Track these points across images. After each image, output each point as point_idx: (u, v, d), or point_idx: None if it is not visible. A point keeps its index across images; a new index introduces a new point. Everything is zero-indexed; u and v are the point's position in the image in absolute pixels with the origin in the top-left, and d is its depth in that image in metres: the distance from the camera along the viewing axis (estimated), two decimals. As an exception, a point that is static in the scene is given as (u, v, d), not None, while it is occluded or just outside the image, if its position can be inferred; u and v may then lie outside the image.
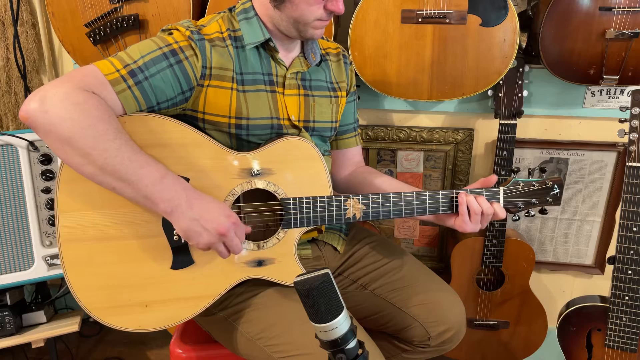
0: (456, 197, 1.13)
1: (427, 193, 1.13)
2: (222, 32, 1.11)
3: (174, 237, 1.05)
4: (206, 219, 0.98)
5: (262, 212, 1.12)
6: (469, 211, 1.11)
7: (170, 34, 1.08)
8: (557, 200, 1.18)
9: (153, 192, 0.95)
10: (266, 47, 1.15)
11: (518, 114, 1.58)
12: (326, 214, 1.11)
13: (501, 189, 1.16)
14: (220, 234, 0.99)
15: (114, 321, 1.05)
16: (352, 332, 0.70)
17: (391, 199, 1.13)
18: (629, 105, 1.32)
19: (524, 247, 1.68)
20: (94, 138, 0.90)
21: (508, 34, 1.48)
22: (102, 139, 0.91)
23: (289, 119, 1.17)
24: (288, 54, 1.19)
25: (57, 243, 1.02)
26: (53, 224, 1.63)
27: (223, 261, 1.09)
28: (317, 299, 0.67)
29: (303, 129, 1.19)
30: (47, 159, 1.61)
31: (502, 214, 1.12)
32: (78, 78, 0.94)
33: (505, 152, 1.60)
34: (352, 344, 0.69)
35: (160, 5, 1.55)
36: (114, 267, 1.04)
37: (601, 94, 1.68)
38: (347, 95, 1.33)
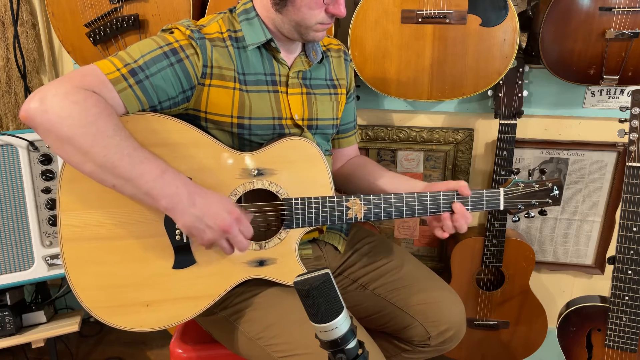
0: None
1: (428, 194, 1.14)
2: (222, 33, 1.11)
3: (176, 237, 1.06)
4: (209, 216, 0.97)
5: (264, 212, 1.12)
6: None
7: (171, 32, 1.08)
8: (556, 202, 1.18)
9: (154, 188, 0.95)
10: (268, 48, 1.15)
11: (518, 114, 1.58)
12: (328, 214, 1.11)
13: (501, 190, 1.16)
14: (223, 231, 0.98)
15: (116, 321, 1.05)
16: (352, 332, 0.70)
17: (392, 200, 1.13)
18: (629, 105, 1.32)
19: (524, 247, 1.68)
20: (93, 136, 0.90)
21: (508, 34, 1.48)
22: (101, 136, 0.91)
23: (292, 119, 1.17)
24: (290, 54, 1.19)
25: (59, 242, 1.02)
26: (53, 224, 1.64)
27: (224, 261, 1.09)
28: (317, 299, 0.67)
29: (306, 129, 1.20)
30: (47, 159, 1.61)
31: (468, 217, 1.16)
32: (78, 78, 0.94)
33: (505, 152, 1.60)
34: (352, 344, 0.69)
35: (160, 5, 1.55)
36: (115, 267, 1.04)
37: (601, 94, 1.68)
38: (346, 94, 1.33)
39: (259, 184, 1.10)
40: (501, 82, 1.57)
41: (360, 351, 0.70)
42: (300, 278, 0.68)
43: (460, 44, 1.50)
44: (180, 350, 1.31)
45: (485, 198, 1.15)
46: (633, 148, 1.32)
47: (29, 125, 0.92)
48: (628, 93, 1.66)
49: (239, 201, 1.10)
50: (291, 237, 1.12)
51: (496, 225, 1.64)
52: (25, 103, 0.91)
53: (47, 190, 1.61)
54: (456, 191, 1.14)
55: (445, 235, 1.16)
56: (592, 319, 1.47)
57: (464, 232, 1.78)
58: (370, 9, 1.51)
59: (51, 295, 1.81)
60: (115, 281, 1.04)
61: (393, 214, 1.14)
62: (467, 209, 1.15)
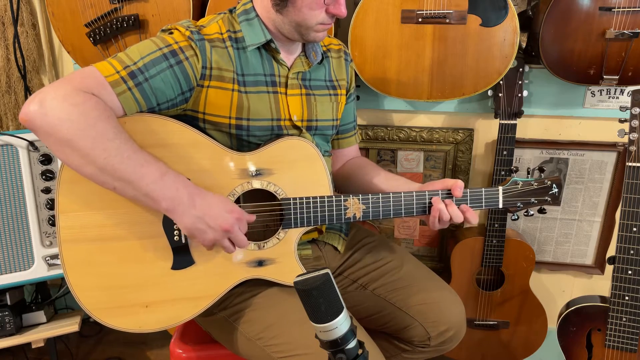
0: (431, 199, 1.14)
1: (426, 193, 1.14)
2: (222, 33, 1.11)
3: (175, 237, 1.06)
4: (209, 216, 0.98)
5: (263, 212, 1.12)
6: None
7: (171, 33, 1.08)
8: (555, 200, 1.18)
9: (154, 190, 0.95)
10: (267, 48, 1.15)
11: (518, 114, 1.58)
12: (326, 213, 1.11)
13: (500, 188, 1.16)
14: (224, 230, 0.99)
15: (115, 322, 1.05)
16: (352, 332, 0.70)
17: (391, 199, 1.13)
18: (629, 105, 1.32)
19: (524, 247, 1.68)
20: (93, 139, 0.91)
21: (508, 34, 1.48)
22: (101, 139, 0.91)
23: (291, 120, 1.17)
24: (289, 55, 1.19)
25: (58, 244, 1.02)
26: (53, 224, 1.64)
27: (223, 261, 1.09)
28: (317, 299, 0.67)
29: (304, 130, 1.19)
30: (47, 159, 1.61)
31: (473, 220, 1.12)
32: (77, 80, 0.94)
33: (505, 152, 1.60)
34: (352, 344, 0.69)
35: (160, 5, 1.55)
36: (114, 268, 1.04)
37: (601, 94, 1.68)
38: (346, 94, 1.33)
39: (257, 184, 1.10)
40: (501, 82, 1.57)
41: (360, 351, 0.70)
42: (300, 278, 0.68)
43: (460, 44, 1.50)
44: (180, 351, 1.31)
45: (484, 196, 1.15)
46: (633, 148, 1.32)
47: (29, 128, 0.93)
48: (628, 93, 1.66)
49: (237, 201, 1.10)
50: (290, 237, 1.12)
51: (496, 225, 1.64)
52: (24, 106, 0.91)
53: (47, 190, 1.62)
54: (449, 190, 1.14)
55: (444, 217, 1.12)
56: (592, 319, 1.47)
57: (464, 232, 1.79)
58: (370, 9, 1.51)
59: (51, 295, 1.81)
60: (114, 282, 1.04)
61: (392, 213, 1.14)
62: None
